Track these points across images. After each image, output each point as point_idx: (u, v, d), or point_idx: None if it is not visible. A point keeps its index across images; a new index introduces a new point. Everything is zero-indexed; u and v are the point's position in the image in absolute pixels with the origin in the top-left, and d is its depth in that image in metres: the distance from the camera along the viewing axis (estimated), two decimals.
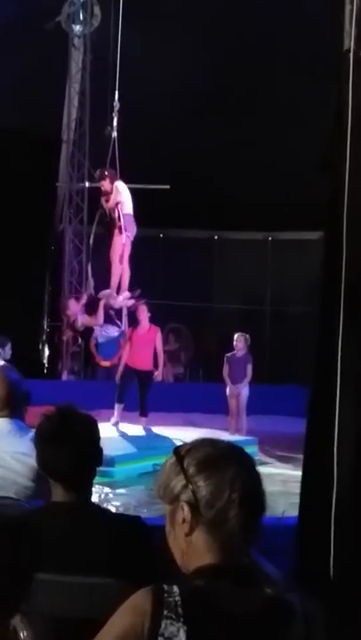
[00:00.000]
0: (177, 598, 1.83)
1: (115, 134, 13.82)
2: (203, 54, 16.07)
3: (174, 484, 1.98)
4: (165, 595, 1.83)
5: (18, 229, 16.20)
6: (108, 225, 13.66)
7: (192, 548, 1.97)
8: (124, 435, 11.88)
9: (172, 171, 16.44)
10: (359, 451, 3.58)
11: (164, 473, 2.03)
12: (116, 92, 13.85)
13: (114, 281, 13.45)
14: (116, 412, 12.35)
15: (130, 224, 13.16)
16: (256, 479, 2.00)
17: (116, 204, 13.08)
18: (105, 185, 13.30)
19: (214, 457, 1.99)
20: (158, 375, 12.72)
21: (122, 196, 13.13)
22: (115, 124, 13.86)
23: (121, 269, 13.32)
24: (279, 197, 16.60)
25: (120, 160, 13.68)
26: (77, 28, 17.84)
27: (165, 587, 1.85)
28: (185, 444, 2.05)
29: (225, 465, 1.98)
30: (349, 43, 3.77)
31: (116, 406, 12.42)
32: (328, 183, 3.89)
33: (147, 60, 15.55)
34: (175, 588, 1.85)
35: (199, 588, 1.88)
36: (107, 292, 13.62)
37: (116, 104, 13.86)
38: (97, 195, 14.37)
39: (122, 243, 13.18)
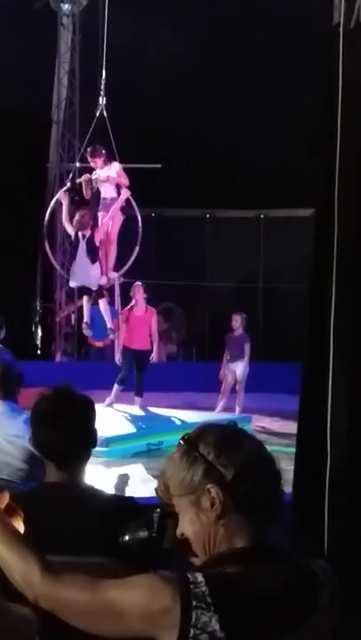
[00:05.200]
0: (203, 588, 1.80)
1: (104, 113, 13.46)
2: (194, 32, 15.96)
3: (193, 472, 1.95)
4: (192, 586, 1.80)
5: (8, 211, 16.12)
6: (94, 204, 13.41)
7: (221, 533, 1.95)
8: (118, 414, 11.89)
9: (164, 149, 16.37)
10: (352, 427, 3.59)
11: (174, 466, 1.99)
12: (104, 72, 13.54)
13: (112, 260, 13.22)
14: (113, 394, 12.32)
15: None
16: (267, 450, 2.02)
17: (117, 184, 12.88)
18: (98, 162, 13.00)
19: (228, 437, 1.99)
20: (154, 357, 12.71)
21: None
22: (102, 101, 13.45)
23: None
24: (271, 175, 16.55)
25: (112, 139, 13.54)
26: (66, 6, 17.68)
27: (190, 577, 1.83)
28: (190, 433, 2.02)
29: (241, 442, 1.98)
30: (339, 17, 3.74)
31: (115, 387, 12.38)
32: (320, 160, 3.87)
33: (137, 38, 15.45)
34: (200, 577, 1.82)
35: (227, 575, 1.85)
36: (116, 274, 13.31)
37: (103, 80, 13.44)
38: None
39: (120, 223, 13.04)
